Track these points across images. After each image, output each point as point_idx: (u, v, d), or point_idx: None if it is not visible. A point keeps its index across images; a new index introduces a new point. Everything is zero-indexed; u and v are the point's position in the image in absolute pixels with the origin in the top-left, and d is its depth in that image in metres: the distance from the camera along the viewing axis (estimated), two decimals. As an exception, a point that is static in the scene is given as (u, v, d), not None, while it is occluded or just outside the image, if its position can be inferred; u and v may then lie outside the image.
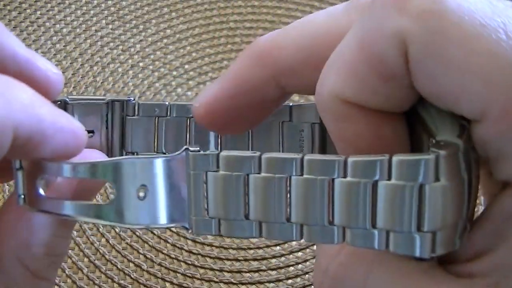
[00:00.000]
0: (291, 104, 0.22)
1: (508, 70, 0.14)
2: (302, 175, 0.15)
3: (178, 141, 0.23)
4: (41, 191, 0.17)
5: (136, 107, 0.23)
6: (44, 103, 0.17)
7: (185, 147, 0.16)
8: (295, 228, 0.15)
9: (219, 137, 0.23)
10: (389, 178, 0.14)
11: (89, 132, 0.22)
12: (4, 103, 0.15)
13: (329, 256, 0.17)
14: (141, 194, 0.16)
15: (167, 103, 0.23)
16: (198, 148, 0.15)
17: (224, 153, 0.15)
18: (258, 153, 0.15)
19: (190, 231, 0.16)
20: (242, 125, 0.20)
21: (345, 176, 0.14)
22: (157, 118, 0.23)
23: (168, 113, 0.23)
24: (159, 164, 0.16)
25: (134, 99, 0.23)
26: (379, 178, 0.14)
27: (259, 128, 0.22)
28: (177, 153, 0.16)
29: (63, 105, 0.22)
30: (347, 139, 0.16)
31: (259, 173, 0.15)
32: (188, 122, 0.23)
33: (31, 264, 0.18)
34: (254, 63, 0.18)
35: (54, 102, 0.21)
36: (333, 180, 0.14)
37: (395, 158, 0.13)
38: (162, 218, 0.16)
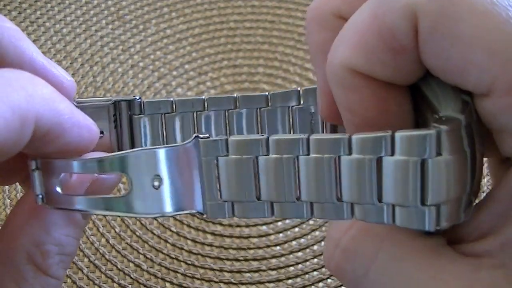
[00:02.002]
0: (298, 88, 0.23)
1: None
2: (309, 154, 0.15)
3: (186, 136, 0.23)
4: (58, 189, 0.18)
5: (142, 106, 0.23)
6: (63, 99, 0.18)
7: (195, 135, 0.16)
8: (306, 206, 0.16)
9: (228, 129, 0.23)
10: (393, 154, 0.14)
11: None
12: (27, 96, 0.16)
13: (341, 230, 0.17)
14: (156, 183, 0.16)
15: (171, 99, 0.23)
16: (208, 135, 0.16)
17: (233, 137, 0.16)
18: (265, 136, 0.15)
19: (205, 216, 0.16)
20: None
21: (350, 154, 0.14)
22: (163, 115, 0.23)
23: (174, 109, 0.23)
24: (163, 153, 0.16)
25: (139, 98, 0.23)
26: (383, 154, 0.14)
27: (269, 114, 0.23)
28: (187, 141, 0.16)
29: None
30: (353, 110, 0.17)
31: (267, 155, 0.15)
32: (194, 116, 0.23)
33: (41, 262, 0.18)
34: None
35: None
36: (339, 157, 0.15)
37: (398, 134, 0.14)
38: (176, 206, 0.17)
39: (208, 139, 0.16)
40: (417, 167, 0.14)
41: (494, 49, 0.14)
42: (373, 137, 0.14)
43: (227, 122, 0.23)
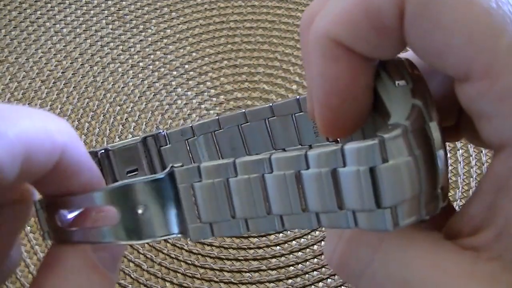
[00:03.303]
0: (298, 97, 0.25)
1: (492, 36, 0.15)
2: (272, 172, 0.16)
3: (210, 154, 0.26)
4: (59, 223, 0.19)
5: (167, 137, 0.26)
6: (82, 143, 0.19)
7: (170, 165, 0.18)
8: (276, 220, 0.17)
9: (244, 141, 0.26)
10: (345, 165, 0.15)
11: (132, 171, 0.26)
12: (58, 126, 0.18)
13: (337, 235, 0.17)
14: (140, 212, 0.18)
15: (191, 125, 0.26)
16: (181, 164, 0.17)
17: (203, 164, 0.17)
18: (232, 159, 0.17)
19: (189, 239, 0.18)
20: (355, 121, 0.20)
21: (308, 168, 0.16)
22: (186, 140, 0.26)
23: (194, 133, 0.26)
24: (142, 186, 0.18)
25: (163, 131, 0.26)
26: (337, 166, 0.15)
27: (276, 125, 0.25)
28: (163, 172, 0.18)
29: (106, 153, 0.25)
30: (327, 77, 0.17)
31: (236, 177, 0.17)
32: (213, 135, 0.26)
33: None
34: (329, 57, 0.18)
35: (95, 153, 0.25)
36: (299, 172, 0.16)
37: (347, 147, 0.15)
38: (161, 230, 0.18)
39: (182, 167, 0.17)
40: (367, 175, 0.15)
41: (473, 37, 0.15)
42: (326, 151, 0.16)
43: (242, 135, 0.26)
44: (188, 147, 0.26)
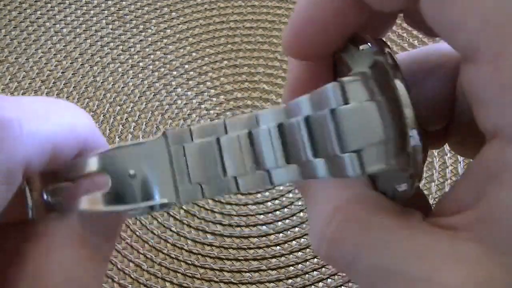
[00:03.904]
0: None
1: (506, 24, 0.14)
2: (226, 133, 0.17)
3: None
4: (47, 198, 0.19)
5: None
6: (101, 134, 0.20)
7: (163, 130, 0.18)
8: (265, 176, 0.17)
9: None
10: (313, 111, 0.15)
11: None
12: (80, 120, 0.19)
13: (323, 222, 0.17)
14: (131, 178, 0.17)
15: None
16: (173, 127, 0.18)
17: (194, 126, 0.17)
18: (222, 119, 0.17)
19: (178, 204, 0.17)
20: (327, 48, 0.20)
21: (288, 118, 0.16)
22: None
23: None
24: (134, 150, 0.17)
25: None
26: (307, 113, 0.15)
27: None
28: (156, 136, 0.18)
29: None
30: (322, 21, 0.17)
31: (227, 134, 0.17)
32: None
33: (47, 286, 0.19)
34: None
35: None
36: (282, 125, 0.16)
37: (303, 97, 0.15)
38: (150, 197, 0.17)
39: (175, 129, 0.17)
40: (328, 118, 0.15)
41: (487, 21, 0.15)
42: (290, 105, 0.16)
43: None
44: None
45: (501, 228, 0.15)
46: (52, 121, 0.17)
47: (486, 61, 0.15)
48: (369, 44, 0.17)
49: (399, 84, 0.16)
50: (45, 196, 0.19)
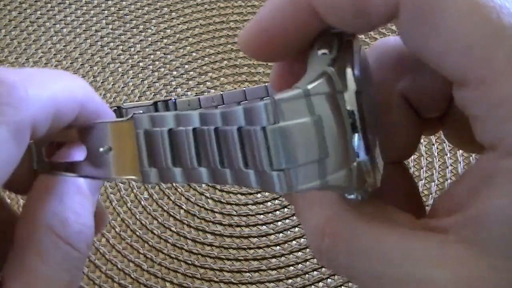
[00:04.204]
0: (266, 85, 0.28)
1: (489, 47, 0.15)
2: (201, 127, 0.17)
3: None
4: (44, 157, 0.21)
5: (175, 105, 0.27)
6: (97, 95, 0.21)
7: (133, 112, 0.19)
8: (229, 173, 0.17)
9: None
10: (247, 124, 0.15)
11: None
12: (77, 83, 0.20)
13: (317, 238, 0.18)
14: (105, 151, 0.19)
15: (198, 97, 0.28)
16: (141, 111, 0.20)
17: (159, 113, 0.19)
18: (187, 112, 0.18)
19: (140, 181, 0.18)
20: (285, 53, 0.20)
21: (219, 126, 0.16)
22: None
23: (200, 106, 0.27)
24: (111, 126, 0.19)
25: (174, 99, 0.27)
26: (242, 125, 0.15)
27: None
28: (127, 117, 0.19)
29: (119, 110, 0.27)
30: (281, 33, 0.18)
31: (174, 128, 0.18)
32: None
33: (61, 230, 0.20)
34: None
35: (111, 107, 0.25)
36: (216, 129, 0.16)
37: (239, 107, 0.15)
38: (120, 171, 0.19)
39: (142, 114, 0.18)
40: (258, 136, 0.15)
41: (471, 46, 0.15)
42: (226, 112, 0.16)
43: None
44: None
45: (489, 230, 0.15)
46: (52, 85, 0.19)
47: (474, 85, 0.15)
48: (328, 50, 0.17)
49: (348, 96, 0.16)
50: (43, 156, 0.21)
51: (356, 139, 0.16)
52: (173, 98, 0.28)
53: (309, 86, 0.15)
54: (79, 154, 0.21)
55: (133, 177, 0.19)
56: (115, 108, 0.27)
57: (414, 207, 0.21)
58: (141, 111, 0.27)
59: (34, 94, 0.18)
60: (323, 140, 0.15)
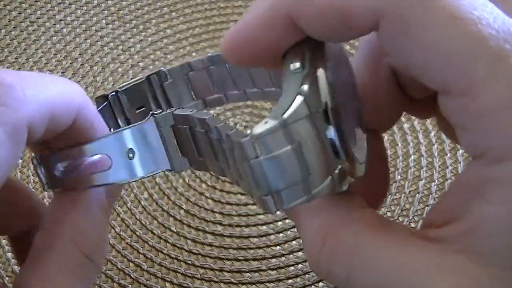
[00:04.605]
0: None
1: (470, 59, 0.15)
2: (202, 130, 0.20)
3: (207, 88, 0.28)
4: (56, 174, 0.21)
5: (167, 73, 0.28)
6: (92, 103, 0.21)
7: (151, 112, 0.20)
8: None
9: (233, 81, 0.28)
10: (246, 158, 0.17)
11: (139, 108, 0.27)
12: (74, 89, 0.20)
13: (316, 247, 0.18)
14: (130, 155, 0.21)
15: (191, 60, 0.28)
16: (160, 111, 0.21)
17: (175, 111, 0.20)
18: (202, 115, 0.20)
19: (172, 172, 0.21)
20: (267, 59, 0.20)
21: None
22: (186, 75, 0.28)
23: (191, 68, 0.28)
24: (130, 132, 0.21)
25: (164, 68, 0.28)
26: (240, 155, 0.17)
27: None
28: (145, 119, 0.21)
29: (116, 95, 0.27)
30: (260, 42, 0.18)
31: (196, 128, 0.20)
32: (206, 72, 0.28)
33: (82, 244, 0.21)
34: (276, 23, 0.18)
35: (105, 96, 0.27)
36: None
37: (233, 140, 0.17)
38: (147, 170, 0.21)
39: (161, 114, 0.20)
40: (246, 168, 0.17)
41: (452, 58, 0.15)
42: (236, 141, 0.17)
43: (229, 74, 0.28)
44: (187, 81, 0.28)
45: (486, 240, 0.16)
46: (49, 87, 0.19)
47: (456, 94, 0.16)
48: (300, 64, 0.18)
49: (324, 112, 0.17)
50: (56, 173, 0.21)
51: (337, 147, 0.17)
52: (162, 68, 0.28)
53: (286, 115, 0.16)
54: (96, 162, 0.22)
55: (163, 169, 0.21)
56: (113, 93, 0.27)
57: (380, 179, 0.22)
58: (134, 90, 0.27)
59: (31, 94, 0.18)
60: (304, 162, 0.17)
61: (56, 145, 0.21)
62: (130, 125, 0.21)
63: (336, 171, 0.17)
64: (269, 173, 0.16)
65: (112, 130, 0.25)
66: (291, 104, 0.16)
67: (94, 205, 0.21)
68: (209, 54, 0.27)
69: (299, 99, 0.17)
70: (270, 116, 0.16)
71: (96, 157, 0.21)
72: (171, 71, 0.28)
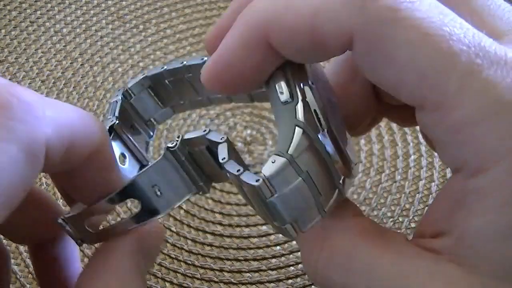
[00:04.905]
0: None
1: (442, 74, 0.16)
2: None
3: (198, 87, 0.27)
4: (89, 229, 0.21)
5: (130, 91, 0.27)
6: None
7: (165, 146, 0.20)
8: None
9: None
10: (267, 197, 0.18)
11: (131, 127, 0.26)
12: (97, 123, 0.19)
13: (315, 254, 0.19)
14: (158, 193, 0.20)
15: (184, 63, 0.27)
16: (174, 144, 0.20)
17: (186, 135, 0.20)
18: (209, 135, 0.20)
19: (201, 193, 0.21)
20: (245, 86, 0.20)
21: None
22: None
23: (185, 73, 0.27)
24: (153, 170, 0.20)
25: (162, 67, 0.27)
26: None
27: None
28: (162, 154, 0.20)
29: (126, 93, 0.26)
30: (234, 54, 0.18)
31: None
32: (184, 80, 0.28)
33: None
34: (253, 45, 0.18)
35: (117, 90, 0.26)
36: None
37: (245, 181, 0.17)
38: (179, 197, 0.21)
39: (175, 146, 0.20)
40: (263, 207, 0.18)
41: (424, 75, 0.16)
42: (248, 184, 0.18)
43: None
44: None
45: (475, 251, 0.16)
46: (70, 114, 0.18)
47: (430, 109, 0.16)
48: (289, 94, 0.18)
49: (323, 139, 0.18)
50: (89, 229, 0.21)
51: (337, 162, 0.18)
52: (162, 68, 0.27)
53: (291, 151, 0.17)
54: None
55: (190, 195, 0.21)
56: (121, 91, 0.26)
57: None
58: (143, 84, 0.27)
59: (51, 115, 0.17)
60: (314, 187, 0.18)
61: (70, 191, 0.20)
62: (149, 164, 0.20)
63: (340, 181, 0.18)
64: (285, 208, 0.17)
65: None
66: (292, 137, 0.17)
67: (125, 266, 0.20)
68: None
69: (298, 132, 0.17)
70: (275, 152, 0.17)
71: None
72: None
